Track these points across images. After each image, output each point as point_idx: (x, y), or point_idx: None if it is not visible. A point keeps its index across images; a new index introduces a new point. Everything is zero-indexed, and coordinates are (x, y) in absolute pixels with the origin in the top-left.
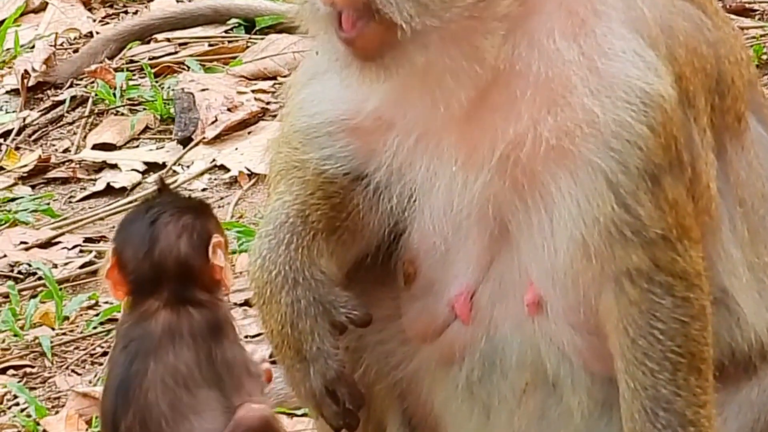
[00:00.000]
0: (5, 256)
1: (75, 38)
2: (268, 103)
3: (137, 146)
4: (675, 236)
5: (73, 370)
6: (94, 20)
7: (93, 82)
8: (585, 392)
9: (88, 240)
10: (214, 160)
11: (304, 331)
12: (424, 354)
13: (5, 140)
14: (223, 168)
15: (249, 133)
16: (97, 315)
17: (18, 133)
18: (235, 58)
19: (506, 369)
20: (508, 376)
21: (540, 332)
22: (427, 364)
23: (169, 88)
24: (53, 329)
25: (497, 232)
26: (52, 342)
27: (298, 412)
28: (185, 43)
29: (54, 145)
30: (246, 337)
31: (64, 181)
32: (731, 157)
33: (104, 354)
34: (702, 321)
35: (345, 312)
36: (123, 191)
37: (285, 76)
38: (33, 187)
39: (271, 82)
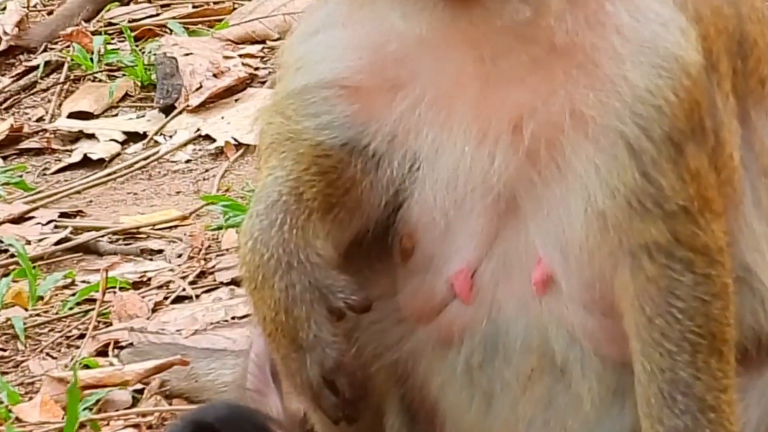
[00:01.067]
0: None
1: None
2: (256, 68)
3: (116, 115)
4: (696, 208)
5: (48, 354)
6: None
7: (69, 47)
8: (596, 378)
9: (63, 215)
10: (198, 129)
11: (300, 318)
12: (421, 335)
13: None
14: (209, 138)
15: (236, 100)
16: (73, 295)
17: None
18: (221, 20)
19: (510, 353)
20: (512, 361)
21: (548, 313)
22: (423, 346)
23: (150, 52)
24: (26, 310)
25: (504, 207)
26: (25, 323)
27: None
28: (167, 5)
29: (27, 114)
30: (233, 318)
31: (38, 152)
32: (755, 124)
33: (81, 336)
34: (724, 300)
35: (343, 297)
36: (101, 163)
37: (274, 40)
38: (4, 158)
39: (259, 46)
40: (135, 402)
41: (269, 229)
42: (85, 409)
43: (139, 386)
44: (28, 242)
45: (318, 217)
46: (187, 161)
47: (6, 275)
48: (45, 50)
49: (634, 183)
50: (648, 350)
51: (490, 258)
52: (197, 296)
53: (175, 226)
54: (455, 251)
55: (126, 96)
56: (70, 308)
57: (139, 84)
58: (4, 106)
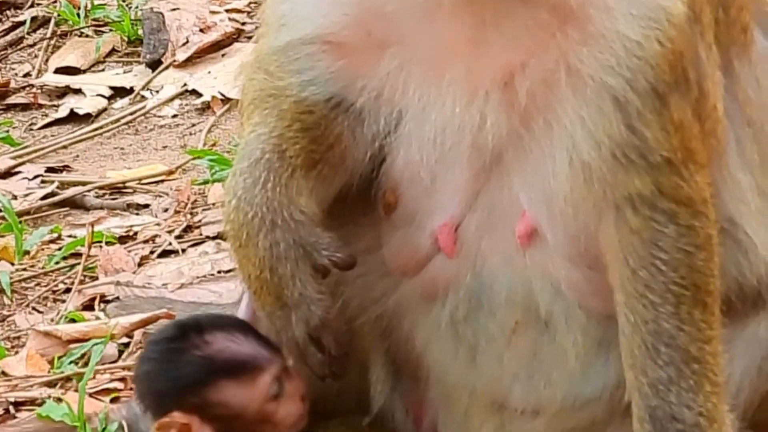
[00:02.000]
0: None
1: None
2: (243, 23)
3: (103, 70)
4: (680, 160)
5: (33, 308)
6: None
7: (55, 2)
8: (580, 331)
9: (50, 170)
10: (185, 84)
11: (285, 275)
12: (406, 289)
13: None
14: (195, 93)
15: (223, 55)
16: (59, 249)
17: None
18: None
19: (494, 307)
20: (497, 315)
21: (532, 266)
22: (408, 300)
23: (136, 7)
24: (13, 264)
25: (489, 161)
26: (11, 278)
27: None
28: None
29: (14, 69)
30: (219, 272)
31: (25, 107)
32: (738, 74)
33: (66, 291)
34: (708, 251)
35: (327, 254)
36: (87, 118)
37: None
38: None
39: (246, 1)
40: (121, 355)
41: (253, 187)
42: (71, 362)
43: (125, 340)
44: (15, 197)
45: (301, 174)
46: (174, 116)
47: None
48: (32, 5)
49: (619, 135)
50: (632, 302)
51: (474, 212)
52: (183, 250)
53: (162, 181)
54: (439, 206)
55: (113, 51)
56: (57, 263)
57: (126, 39)
58: None
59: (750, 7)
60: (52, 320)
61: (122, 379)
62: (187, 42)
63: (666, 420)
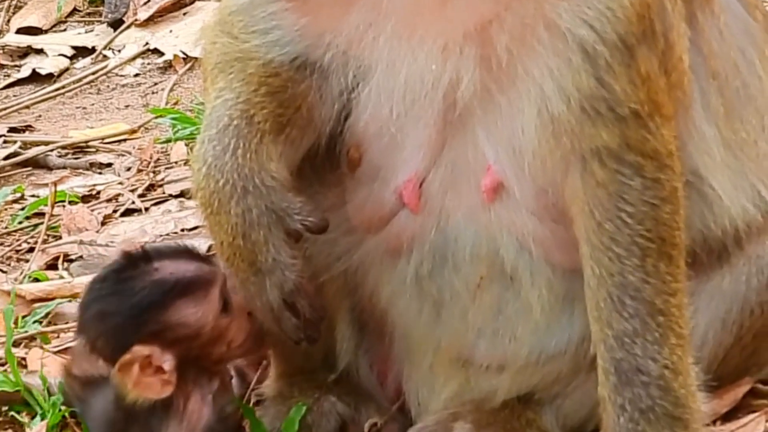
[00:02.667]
0: None
1: None
2: None
3: (65, 30)
4: (647, 113)
5: None
6: None
7: None
8: (545, 285)
9: (12, 130)
10: (147, 43)
11: (258, 242)
12: (370, 244)
13: None
14: (157, 52)
15: (184, 14)
16: (22, 209)
17: None
18: None
19: (459, 262)
20: (461, 270)
21: (497, 221)
22: (373, 256)
23: None
24: None
25: (454, 115)
26: None
27: None
28: None
29: None
30: (182, 230)
31: None
32: (702, 26)
33: (30, 250)
34: (673, 204)
35: (300, 219)
36: (50, 78)
37: None
38: None
39: None
40: None
41: (223, 154)
42: (35, 322)
43: None
44: None
45: (270, 139)
46: (136, 75)
47: None
48: None
49: (587, 87)
50: (597, 254)
51: (439, 167)
52: (146, 209)
53: (124, 140)
54: (403, 161)
55: (74, 11)
56: (20, 222)
57: None
58: None
59: None
60: (15, 279)
61: None
62: (149, 1)
63: (631, 372)
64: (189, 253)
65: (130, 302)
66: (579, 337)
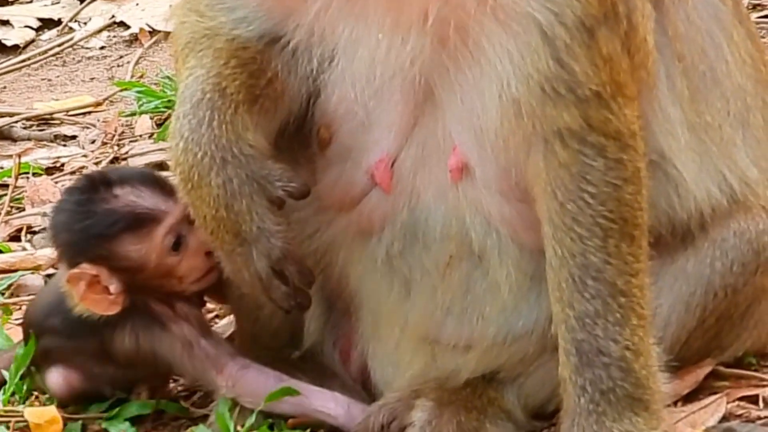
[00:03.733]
0: None
1: None
2: None
3: (31, 1)
4: (609, 94)
5: None
6: None
7: None
8: (513, 265)
9: None
10: (113, 16)
11: (241, 211)
12: (341, 224)
13: None
14: (123, 25)
15: None
16: None
17: None
18: None
19: (429, 241)
20: (431, 249)
21: (465, 201)
22: (343, 236)
23: None
24: None
25: (422, 96)
26: None
27: None
28: None
29: None
30: None
31: None
32: (669, 8)
33: None
34: (636, 184)
35: (281, 185)
36: (15, 49)
37: None
38: None
39: None
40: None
41: (199, 127)
42: None
43: (51, 270)
44: None
45: (245, 109)
46: (102, 48)
47: None
48: None
49: (547, 69)
50: (559, 235)
51: (409, 147)
52: None
53: (89, 112)
54: (374, 141)
55: None
56: None
57: None
58: None
59: None
60: None
61: None
62: None
63: (592, 353)
64: (153, 184)
65: (81, 225)
66: (546, 317)
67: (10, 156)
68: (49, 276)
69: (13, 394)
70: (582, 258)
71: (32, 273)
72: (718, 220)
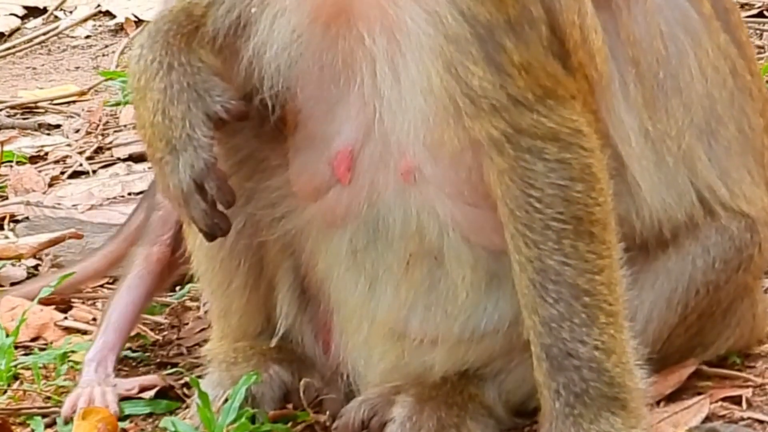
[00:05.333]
0: None
1: None
2: None
3: None
4: (533, 98)
5: None
6: None
7: None
8: (469, 265)
9: None
10: (98, 5)
11: (175, 117)
12: (310, 212)
13: None
14: (109, 14)
15: None
16: None
17: None
18: None
19: (391, 237)
20: (393, 246)
21: (419, 201)
22: (312, 224)
23: None
24: None
25: (374, 94)
26: None
27: None
28: None
29: None
30: (130, 194)
31: None
32: (620, 10)
33: None
34: (586, 181)
35: (221, 101)
36: (0, 37)
37: None
38: None
39: None
40: (29, 277)
41: (155, 35)
42: None
43: (32, 262)
44: None
45: (205, 31)
46: (87, 37)
47: None
48: None
49: (448, 86)
50: (515, 241)
51: (368, 142)
52: (94, 171)
53: (74, 102)
54: (336, 132)
55: None
56: None
57: None
58: None
59: None
60: None
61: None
62: None
63: (561, 357)
64: None
65: None
66: (512, 316)
67: None
68: (34, 268)
69: None
70: (539, 263)
71: (13, 264)
72: (679, 232)
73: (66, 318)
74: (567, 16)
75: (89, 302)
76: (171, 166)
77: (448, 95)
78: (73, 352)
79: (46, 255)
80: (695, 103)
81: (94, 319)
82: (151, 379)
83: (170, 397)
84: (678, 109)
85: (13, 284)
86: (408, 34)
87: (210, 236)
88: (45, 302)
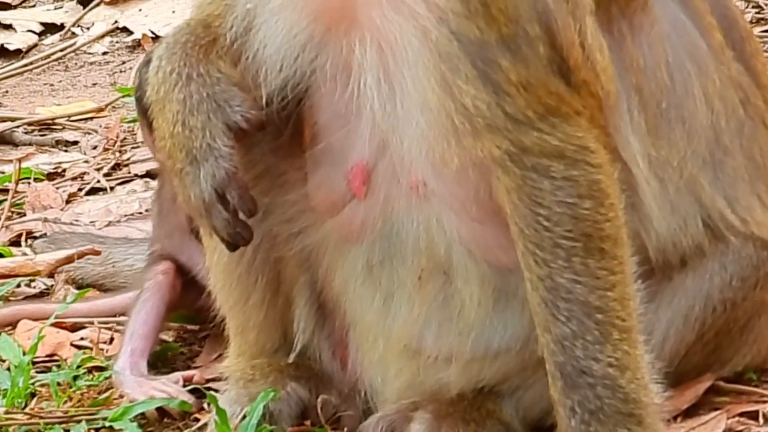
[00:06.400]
0: None
1: None
2: None
3: (33, 6)
4: (534, 117)
5: None
6: None
7: None
8: (477, 282)
9: None
10: (116, 21)
11: (195, 127)
12: (327, 227)
13: None
14: (126, 30)
15: None
16: None
17: None
18: None
19: (404, 253)
20: (407, 261)
21: (430, 217)
22: (329, 239)
23: None
24: None
25: (385, 111)
26: None
27: None
28: None
29: None
30: (147, 210)
31: None
32: (623, 36)
33: None
34: (594, 198)
35: (240, 111)
36: (18, 53)
37: None
38: None
39: None
40: (47, 294)
41: (174, 46)
42: None
43: (48, 281)
44: None
45: (223, 42)
46: (104, 53)
47: None
48: None
49: (446, 106)
50: (526, 260)
51: (383, 158)
52: (112, 188)
53: (91, 118)
54: (352, 146)
55: None
56: None
57: None
58: None
59: None
60: None
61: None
62: None
63: (575, 375)
64: None
65: None
66: (524, 335)
67: (11, 161)
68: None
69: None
70: (550, 281)
71: (31, 280)
72: (687, 255)
73: (82, 339)
74: (566, 35)
75: (104, 323)
76: (192, 176)
77: (444, 113)
78: (95, 368)
79: (59, 272)
80: (699, 133)
81: (112, 339)
82: (191, 373)
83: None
84: (681, 138)
85: (28, 298)
86: (402, 50)
87: (232, 246)
88: (59, 325)
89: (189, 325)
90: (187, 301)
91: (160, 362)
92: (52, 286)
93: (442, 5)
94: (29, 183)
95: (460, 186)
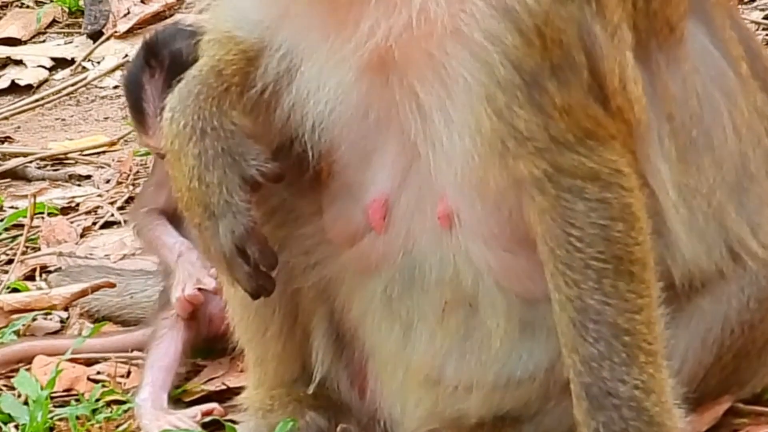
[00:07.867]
0: None
1: None
2: None
3: (44, 41)
4: (573, 139)
5: None
6: None
7: None
8: (503, 314)
9: None
10: (126, 55)
11: (212, 183)
12: (344, 259)
13: None
14: None
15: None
16: (1, 221)
17: None
18: None
19: (426, 285)
20: (428, 293)
21: (456, 248)
22: (346, 271)
23: None
24: None
25: (411, 141)
26: None
27: None
28: None
29: None
30: None
31: None
32: (659, 68)
33: (9, 262)
34: (626, 221)
35: (256, 164)
36: (29, 89)
37: None
38: None
39: None
40: (63, 328)
41: (187, 98)
42: (12, 332)
43: (63, 314)
44: None
45: (237, 91)
46: (115, 87)
47: None
48: None
49: (492, 127)
50: (555, 280)
51: (404, 190)
52: (125, 221)
53: (104, 152)
54: (371, 180)
55: (54, 22)
56: None
57: (67, 10)
58: None
59: (679, 5)
60: None
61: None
62: (128, 13)
63: (601, 396)
64: None
65: None
66: (546, 365)
67: (25, 196)
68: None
69: None
70: (579, 302)
71: (46, 314)
72: (709, 279)
73: (98, 373)
74: (607, 64)
75: (120, 357)
76: (211, 231)
77: (496, 136)
78: (114, 402)
79: (74, 306)
80: (727, 161)
81: (129, 373)
82: (211, 406)
83: None
84: (710, 166)
85: (46, 335)
86: (458, 81)
87: (255, 296)
88: (75, 360)
89: (202, 360)
90: (206, 333)
91: (180, 396)
92: (67, 319)
93: (501, 38)
94: (43, 218)
95: (495, 211)
